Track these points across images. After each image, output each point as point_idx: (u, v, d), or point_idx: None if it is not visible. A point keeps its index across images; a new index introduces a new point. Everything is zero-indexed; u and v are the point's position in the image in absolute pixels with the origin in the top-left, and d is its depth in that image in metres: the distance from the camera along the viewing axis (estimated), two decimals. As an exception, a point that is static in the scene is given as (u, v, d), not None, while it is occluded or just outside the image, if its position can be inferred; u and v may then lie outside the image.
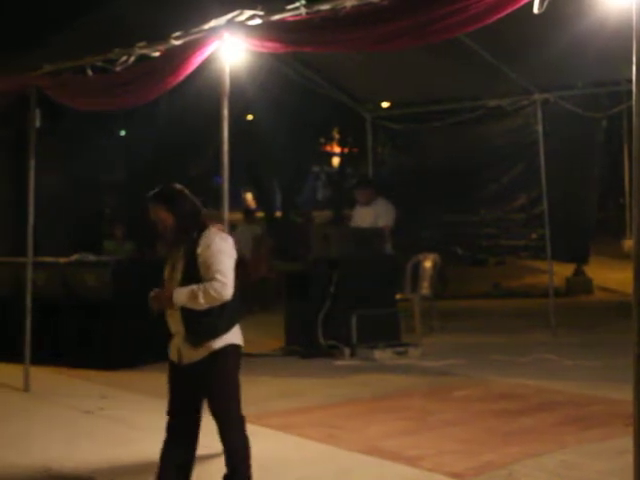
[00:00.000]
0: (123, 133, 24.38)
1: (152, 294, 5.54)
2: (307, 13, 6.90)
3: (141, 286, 10.58)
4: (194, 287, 5.35)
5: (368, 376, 9.86)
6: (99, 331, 10.56)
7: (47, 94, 9.96)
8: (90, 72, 9.24)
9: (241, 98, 9.74)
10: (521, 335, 13.02)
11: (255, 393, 8.85)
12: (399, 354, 10.88)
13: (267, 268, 15.75)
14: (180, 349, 5.53)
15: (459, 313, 15.57)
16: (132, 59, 8.71)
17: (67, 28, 12.44)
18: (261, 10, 7.26)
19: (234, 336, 5.53)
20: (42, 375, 9.86)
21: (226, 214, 7.46)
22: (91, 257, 11.41)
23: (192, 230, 5.49)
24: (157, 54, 8.36)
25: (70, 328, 10.73)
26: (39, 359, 9.75)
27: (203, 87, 9.60)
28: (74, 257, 11.27)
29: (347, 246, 11.46)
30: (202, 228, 5.50)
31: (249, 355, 10.61)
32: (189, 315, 5.43)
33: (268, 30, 7.19)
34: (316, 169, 33.44)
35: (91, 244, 13.45)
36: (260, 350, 11.30)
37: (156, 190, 5.62)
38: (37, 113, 10.62)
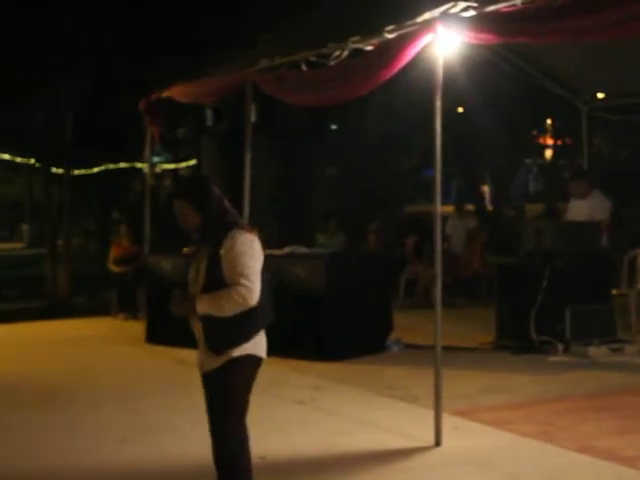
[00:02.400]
0: (334, 127, 24.70)
1: (173, 300, 5.26)
2: (522, 3, 6.78)
3: (353, 278, 10.86)
4: (217, 294, 5.08)
5: (582, 373, 9.64)
6: (312, 323, 10.69)
7: (262, 89, 10.19)
8: (304, 67, 9.40)
9: (452, 90, 9.68)
10: None
11: (465, 387, 8.85)
12: (614, 351, 10.58)
13: (480, 262, 15.61)
14: (202, 357, 5.31)
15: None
16: (345, 53, 8.80)
17: (279, 27, 12.67)
18: (475, 1, 7.19)
19: (255, 346, 5.25)
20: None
21: (438, 207, 7.42)
22: (303, 250, 11.57)
23: (218, 230, 5.19)
24: (370, 48, 8.41)
25: (283, 320, 10.92)
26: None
27: (414, 80, 9.58)
28: (286, 250, 11.44)
29: (560, 240, 11.23)
30: (228, 228, 5.19)
31: (458, 349, 10.63)
32: (209, 322, 5.17)
33: (482, 21, 7.09)
34: (528, 161, 32.97)
35: (304, 236, 13.66)
36: (470, 344, 11.24)
37: (182, 184, 5.40)
38: (253, 108, 10.90)
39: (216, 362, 5.20)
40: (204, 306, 5.10)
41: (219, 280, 5.13)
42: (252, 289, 5.08)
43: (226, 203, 5.30)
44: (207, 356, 5.25)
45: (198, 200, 5.24)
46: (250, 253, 5.14)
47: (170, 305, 5.26)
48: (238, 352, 5.17)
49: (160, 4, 19.45)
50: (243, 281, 5.06)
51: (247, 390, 5.28)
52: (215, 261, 5.15)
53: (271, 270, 5.35)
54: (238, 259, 5.10)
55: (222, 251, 5.13)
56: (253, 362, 5.26)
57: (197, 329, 5.31)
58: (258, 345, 5.28)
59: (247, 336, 5.19)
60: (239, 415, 5.23)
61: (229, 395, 5.21)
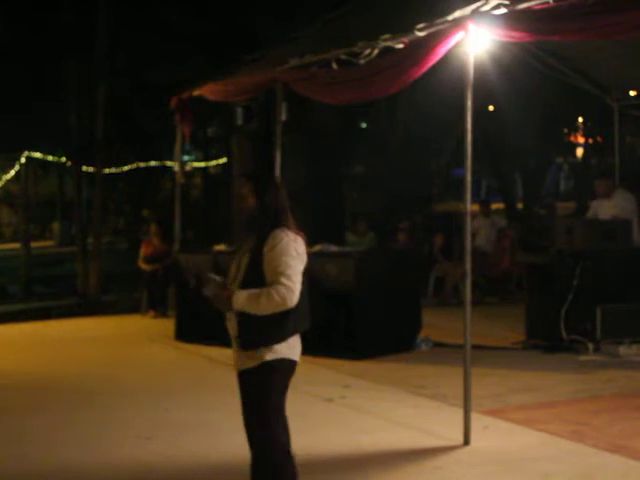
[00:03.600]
0: (364, 126, 24.70)
1: (209, 284, 5.13)
2: (554, 1, 6.75)
3: (382, 276, 10.84)
4: (257, 290, 5.01)
5: (613, 372, 9.58)
6: (342, 321, 10.70)
7: (293, 88, 10.20)
8: (335, 65, 9.40)
9: (483, 89, 9.65)
10: None
11: (494, 387, 8.83)
12: (646, 351, 10.51)
13: (510, 261, 15.55)
14: (236, 355, 5.24)
15: None
16: (376, 51, 8.79)
17: (310, 25, 12.68)
18: (506, -1, 7.17)
19: (290, 350, 5.18)
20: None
21: (468, 206, 7.40)
22: (333, 248, 11.57)
23: (265, 225, 5.16)
24: (401, 46, 8.39)
25: (312, 318, 10.93)
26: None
27: (445, 78, 9.56)
28: (316, 248, 11.43)
29: (591, 238, 11.18)
30: (276, 225, 5.15)
31: (487, 348, 10.60)
32: (244, 319, 5.09)
33: (514, 19, 7.05)
34: (559, 160, 32.82)
35: (333, 236, 13.66)
36: (500, 343, 11.20)
37: (253, 168, 5.36)
38: (283, 107, 10.90)
39: (249, 363, 5.15)
40: (242, 301, 5.02)
41: (259, 277, 5.08)
42: (293, 289, 5.03)
43: (285, 205, 5.27)
44: (240, 354, 5.20)
45: (260, 185, 5.26)
46: (293, 253, 5.09)
47: (204, 290, 5.12)
48: (272, 355, 5.11)
49: (192, 3, 19.56)
50: (284, 280, 5.00)
51: (281, 393, 5.25)
52: (258, 257, 5.12)
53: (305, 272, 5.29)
54: (280, 258, 5.05)
55: (265, 248, 5.09)
56: (287, 366, 5.22)
57: (232, 326, 5.22)
58: (293, 349, 5.23)
59: (280, 338, 5.13)
60: (274, 417, 5.20)
61: (262, 397, 5.18)
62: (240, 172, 12.86)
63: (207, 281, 5.15)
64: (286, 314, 5.08)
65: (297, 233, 5.22)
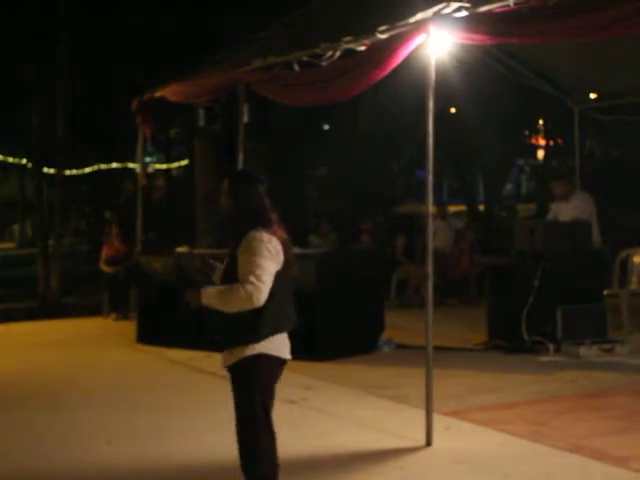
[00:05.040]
0: (327, 128, 24.69)
1: (188, 292, 5.24)
2: (515, 3, 6.78)
3: (344, 278, 10.85)
4: (225, 287, 5.10)
5: (574, 373, 9.65)
6: (304, 323, 10.66)
7: (255, 89, 10.18)
8: (297, 67, 9.40)
9: (445, 91, 9.68)
10: None
11: (456, 388, 8.86)
12: (606, 351, 10.59)
13: (469, 262, 15.60)
14: (223, 352, 5.34)
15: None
16: (338, 53, 8.79)
17: (273, 26, 12.66)
18: (467, 2, 7.19)
19: (273, 346, 5.26)
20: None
21: (429, 208, 7.43)
22: (295, 249, 11.55)
23: (242, 228, 5.21)
24: (363, 48, 8.40)
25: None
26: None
27: (406, 80, 9.59)
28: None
29: (552, 240, 11.25)
30: (252, 227, 5.19)
31: (449, 349, 10.63)
32: (222, 317, 5.19)
33: (475, 22, 7.09)
34: (520, 162, 32.99)
35: (296, 238, 13.65)
36: (462, 345, 11.24)
37: (236, 169, 5.43)
38: (245, 108, 10.89)
39: (231, 359, 5.26)
40: (210, 297, 5.11)
41: (235, 280, 5.15)
42: (261, 289, 5.07)
43: (262, 205, 5.30)
44: (224, 352, 5.31)
45: (235, 186, 5.33)
46: (265, 254, 5.13)
47: (186, 296, 5.22)
48: (251, 351, 5.19)
49: (154, 4, 19.48)
50: (252, 279, 5.05)
51: (264, 390, 5.29)
52: (233, 260, 5.20)
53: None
54: (251, 258, 5.10)
55: (239, 250, 5.17)
56: (270, 363, 5.27)
57: (215, 324, 5.33)
58: (276, 346, 5.29)
59: (259, 336, 5.19)
60: (258, 416, 5.24)
61: (243, 394, 5.25)
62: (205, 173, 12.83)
63: (214, 269, 5.32)
64: (264, 313, 5.15)
65: (274, 233, 5.25)
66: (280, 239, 5.27)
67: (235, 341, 5.22)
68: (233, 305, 5.08)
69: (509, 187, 33.00)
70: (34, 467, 6.92)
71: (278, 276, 5.22)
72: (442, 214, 16.64)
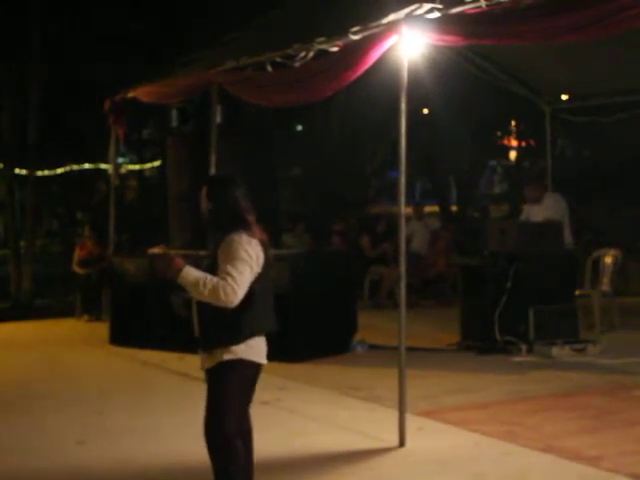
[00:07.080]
0: (300, 128, 24.69)
1: (156, 252, 5.17)
2: (487, 5, 6.80)
3: (317, 279, 10.85)
4: (206, 275, 5.05)
5: (546, 373, 9.69)
6: (278, 324, 10.66)
7: (228, 90, 10.17)
8: (270, 68, 9.39)
9: (417, 92, 9.71)
10: None
11: (429, 388, 8.87)
12: (578, 351, 10.64)
13: (445, 263, 15.64)
14: (201, 355, 5.35)
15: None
16: (311, 54, 8.79)
17: (245, 27, 12.65)
18: (440, 3, 7.21)
19: (251, 351, 5.25)
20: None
21: (402, 208, 7.43)
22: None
23: (223, 229, 5.22)
24: (335, 49, 8.40)
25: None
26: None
27: (379, 81, 9.59)
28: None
29: (524, 240, 11.29)
30: (232, 230, 5.19)
31: (422, 350, 10.65)
32: (203, 319, 5.23)
33: (447, 23, 7.11)
34: (493, 163, 33.10)
35: (270, 238, 13.64)
36: (435, 345, 11.27)
37: (215, 173, 5.44)
38: (218, 109, 10.86)
39: (209, 362, 5.25)
40: (189, 278, 5.05)
41: None
42: (236, 291, 5.05)
43: (241, 208, 5.29)
44: (203, 355, 5.30)
45: (213, 190, 5.34)
46: (243, 256, 5.11)
47: (150, 259, 5.17)
48: (229, 356, 5.18)
49: (126, 5, 19.41)
50: (230, 280, 5.03)
51: (240, 395, 5.29)
52: (213, 263, 5.20)
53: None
54: (228, 260, 5.09)
55: (218, 252, 5.17)
56: (246, 367, 5.26)
57: (197, 326, 5.32)
58: (252, 349, 5.28)
59: (237, 339, 5.19)
60: (228, 418, 5.22)
61: (218, 397, 5.23)
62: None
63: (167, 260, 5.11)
64: (243, 316, 5.14)
65: (254, 235, 5.24)
66: (260, 240, 5.27)
67: (216, 342, 5.21)
68: (207, 296, 5.05)
69: (482, 188, 33.07)
70: (1, 469, 6.87)
71: (259, 277, 5.22)
72: (418, 215, 16.68)
